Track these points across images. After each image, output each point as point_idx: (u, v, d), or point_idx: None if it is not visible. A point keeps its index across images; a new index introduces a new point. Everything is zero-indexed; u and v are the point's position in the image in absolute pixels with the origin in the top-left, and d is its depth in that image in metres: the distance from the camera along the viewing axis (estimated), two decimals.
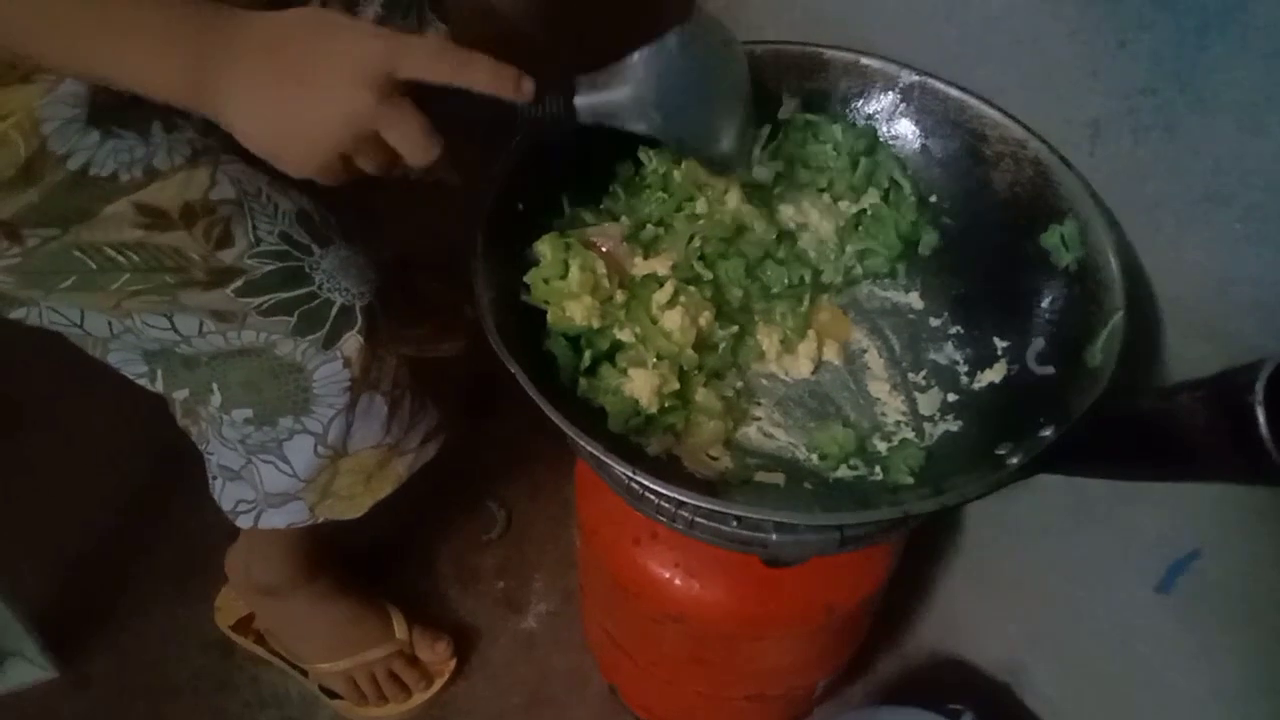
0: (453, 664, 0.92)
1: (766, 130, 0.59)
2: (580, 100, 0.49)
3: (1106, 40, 0.50)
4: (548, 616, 0.97)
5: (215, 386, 0.65)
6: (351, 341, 0.63)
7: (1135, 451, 0.44)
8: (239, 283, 0.59)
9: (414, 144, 0.49)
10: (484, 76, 0.48)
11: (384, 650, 0.89)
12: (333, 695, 0.90)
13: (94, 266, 0.57)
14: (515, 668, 0.94)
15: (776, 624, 0.68)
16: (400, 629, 0.91)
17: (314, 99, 0.47)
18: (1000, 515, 0.76)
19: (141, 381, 0.67)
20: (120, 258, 0.57)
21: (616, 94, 0.50)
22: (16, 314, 0.62)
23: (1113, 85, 0.51)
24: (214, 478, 0.72)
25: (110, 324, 0.62)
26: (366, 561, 0.96)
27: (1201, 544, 0.60)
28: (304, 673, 0.91)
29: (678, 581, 0.66)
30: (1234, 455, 0.39)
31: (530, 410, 0.49)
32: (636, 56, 0.49)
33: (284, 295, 0.60)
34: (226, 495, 0.72)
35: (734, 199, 0.59)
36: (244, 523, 0.72)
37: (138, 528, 1.01)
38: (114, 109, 0.54)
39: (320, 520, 0.72)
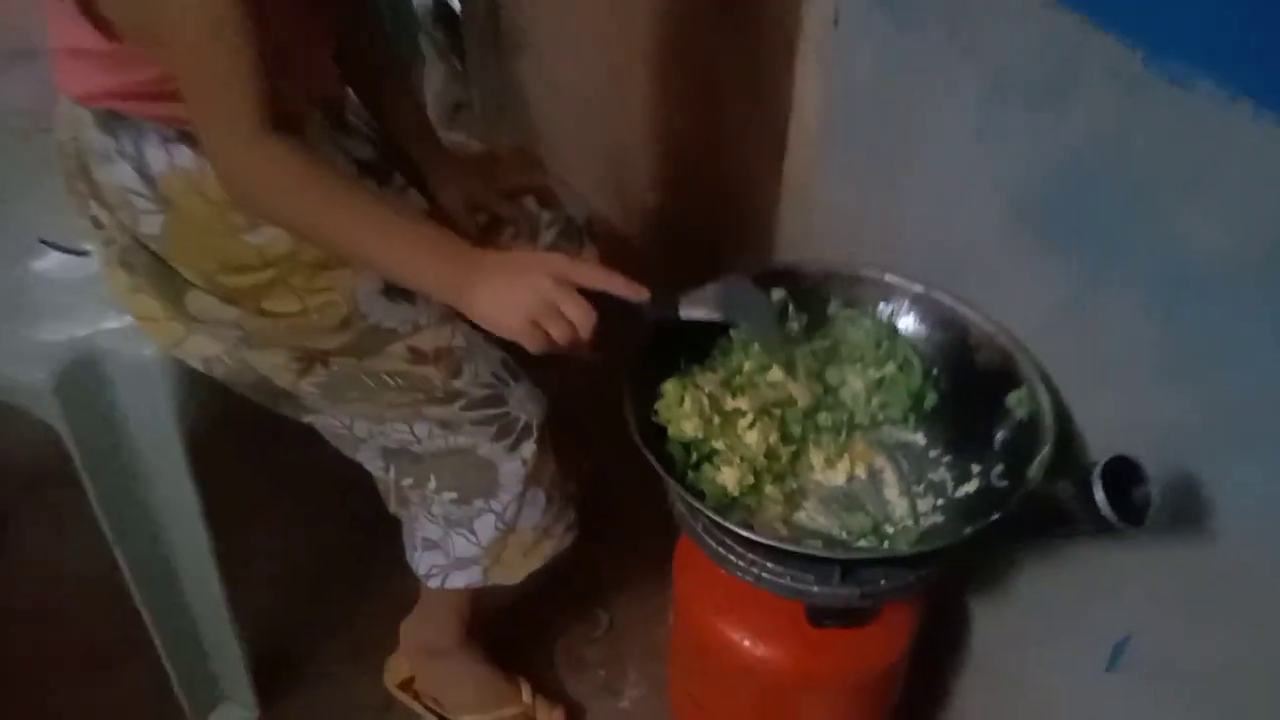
0: None
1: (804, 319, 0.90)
2: (682, 305, 0.78)
3: (1045, 259, 0.79)
4: (640, 700, 1.21)
5: (432, 476, 0.94)
6: (529, 447, 0.92)
7: (1042, 520, 0.69)
8: (462, 401, 0.89)
9: (580, 315, 0.72)
10: (621, 285, 0.75)
11: (515, 709, 1.14)
12: None
13: (373, 386, 0.88)
14: None
15: (820, 679, 0.91)
16: (527, 695, 1.15)
17: (520, 285, 0.73)
18: (997, 617, 0.99)
19: (378, 473, 0.97)
20: (390, 381, 0.88)
21: (703, 302, 0.77)
22: (307, 418, 0.93)
23: (1057, 293, 0.79)
24: (414, 549, 1.00)
25: (369, 429, 0.92)
26: (502, 645, 1.21)
27: (1131, 629, 0.82)
28: None
29: (746, 642, 0.90)
30: (1089, 517, 0.64)
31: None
32: (711, 287, 0.78)
33: (490, 411, 0.90)
34: (423, 561, 0.99)
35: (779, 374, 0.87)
36: (434, 583, 0.99)
37: (332, 596, 1.29)
38: (401, 290, 0.86)
39: (489, 583, 0.99)
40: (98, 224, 0.86)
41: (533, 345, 0.73)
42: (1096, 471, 0.63)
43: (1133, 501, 0.64)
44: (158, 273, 0.84)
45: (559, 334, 0.72)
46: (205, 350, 0.87)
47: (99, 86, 0.79)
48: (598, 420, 0.97)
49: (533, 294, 0.72)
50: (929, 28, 0.85)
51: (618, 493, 1.26)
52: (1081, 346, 0.80)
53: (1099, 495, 0.62)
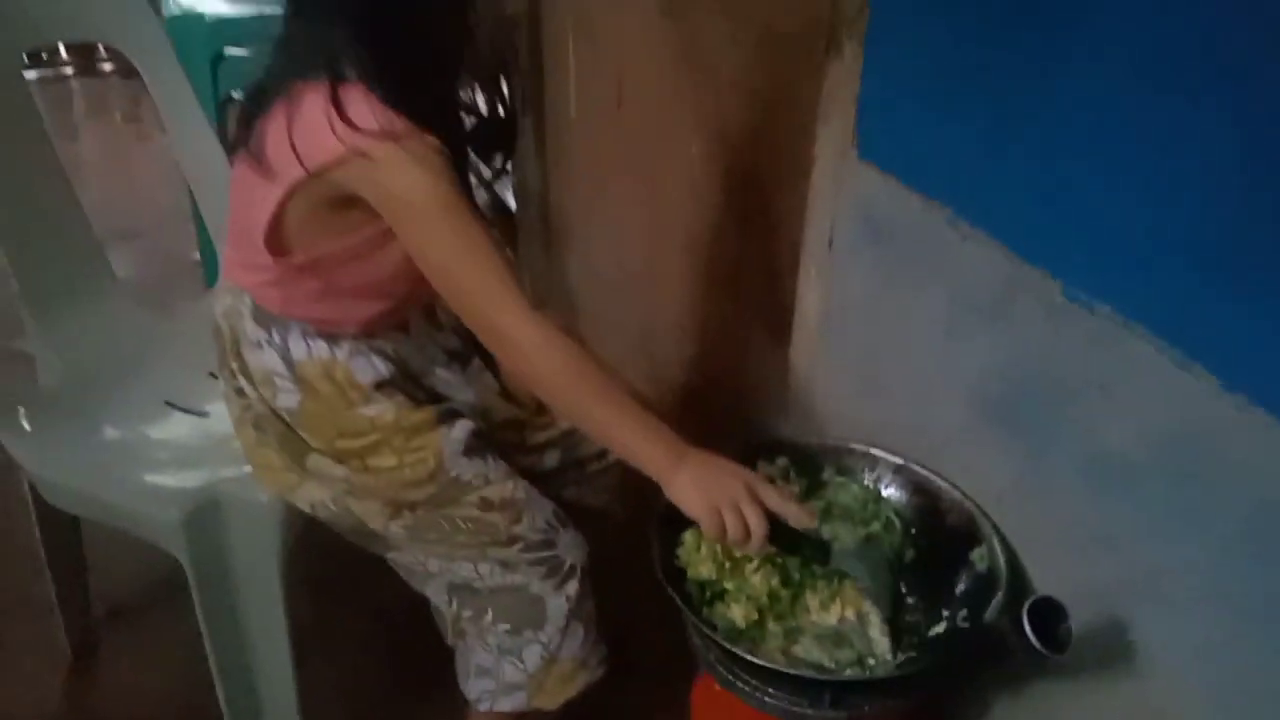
0: None
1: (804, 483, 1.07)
2: (835, 557, 0.98)
3: (997, 442, 0.98)
4: None
5: (490, 609, 1.10)
6: (573, 587, 1.09)
7: (990, 652, 0.85)
8: (520, 545, 1.07)
9: (757, 525, 0.85)
10: (794, 514, 0.88)
11: None
12: None
13: (448, 529, 1.06)
14: None
15: None
16: None
17: (719, 481, 0.87)
18: None
19: (442, 606, 1.14)
20: (463, 526, 1.06)
21: (852, 563, 0.98)
22: (390, 554, 1.11)
23: (1008, 471, 0.98)
24: (467, 676, 1.15)
25: (440, 565, 1.10)
26: None
27: None
28: None
29: None
30: (1022, 647, 0.80)
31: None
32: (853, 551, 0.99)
33: (543, 554, 1.07)
34: (474, 687, 1.14)
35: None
36: (483, 706, 1.14)
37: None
38: (476, 448, 1.06)
39: (531, 708, 1.13)
40: (241, 394, 1.07)
41: (711, 530, 0.87)
42: (1025, 608, 0.80)
43: (1058, 635, 0.81)
44: (286, 437, 1.05)
45: (734, 531, 0.86)
46: (314, 496, 1.06)
47: (264, 293, 1.01)
48: (629, 573, 1.13)
49: (725, 493, 0.86)
50: (904, 254, 1.07)
51: (643, 636, 1.41)
52: (1029, 514, 0.98)
53: (1027, 628, 0.79)
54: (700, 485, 0.87)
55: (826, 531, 1.04)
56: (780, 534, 0.88)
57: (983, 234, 0.96)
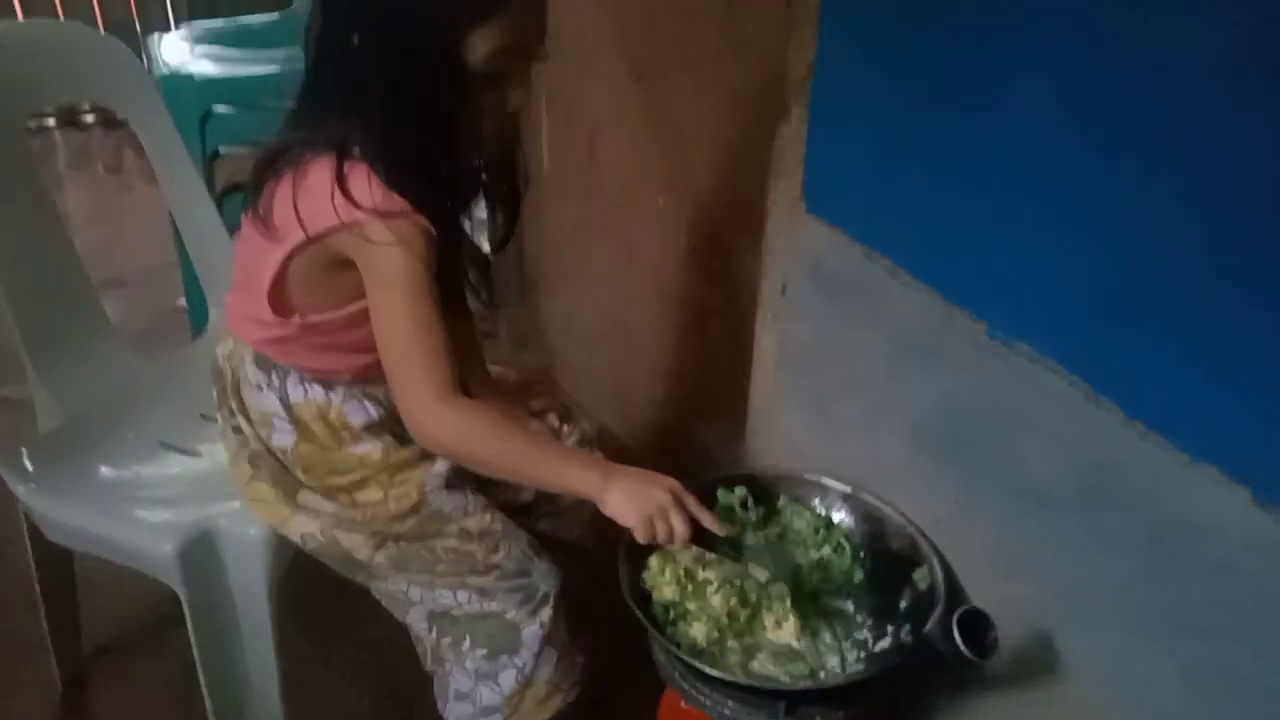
0: None
1: (761, 510, 1.16)
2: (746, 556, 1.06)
3: (934, 471, 1.07)
4: None
5: (468, 635, 1.17)
6: (546, 613, 1.16)
7: (927, 661, 0.94)
8: (498, 573, 1.14)
9: (681, 527, 0.96)
10: (709, 520, 0.99)
11: None
12: None
13: (429, 559, 1.13)
14: None
15: None
16: None
17: (647, 492, 0.96)
18: None
19: (422, 633, 1.20)
20: (444, 556, 1.13)
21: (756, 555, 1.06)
22: (374, 584, 1.18)
23: (944, 497, 1.07)
24: (446, 701, 1.21)
25: (422, 594, 1.17)
26: None
27: None
28: None
29: None
30: (952, 653, 0.88)
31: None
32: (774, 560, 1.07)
33: (518, 582, 1.15)
34: (453, 710, 1.20)
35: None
36: None
37: None
38: (456, 483, 1.14)
39: None
40: (238, 431, 1.14)
41: (643, 535, 0.97)
42: (954, 618, 0.88)
43: (985, 643, 0.89)
44: (280, 474, 1.12)
45: (663, 533, 0.97)
46: (304, 529, 1.13)
47: (265, 346, 1.10)
48: (600, 601, 1.20)
49: (653, 501, 0.96)
50: (848, 301, 1.17)
51: (611, 663, 1.48)
52: (963, 536, 1.06)
53: (956, 636, 0.87)
54: (631, 498, 0.96)
55: (749, 538, 1.12)
56: (702, 536, 1.00)
57: (918, 281, 1.05)
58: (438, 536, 1.12)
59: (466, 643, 1.17)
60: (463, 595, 1.15)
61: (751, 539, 1.11)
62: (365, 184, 0.94)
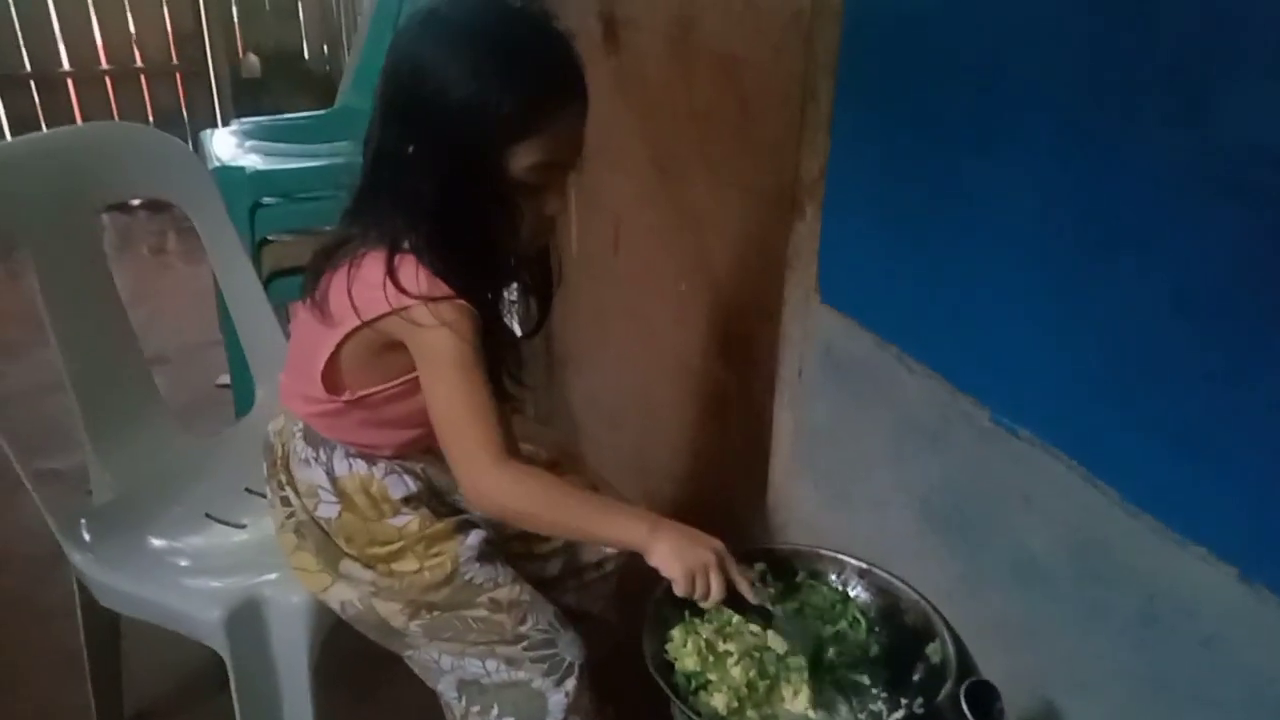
0: None
1: (780, 586, 1.21)
2: (775, 621, 1.12)
3: (942, 548, 1.12)
4: None
5: (496, 704, 1.22)
6: (572, 683, 1.21)
7: None
8: (525, 643, 1.20)
9: (718, 588, 1.01)
10: (747, 588, 1.05)
11: None
12: None
13: (460, 628, 1.19)
14: None
15: None
16: None
17: (693, 548, 1.02)
18: None
19: (452, 701, 1.25)
20: (474, 625, 1.19)
21: (788, 628, 1.13)
22: (407, 653, 1.24)
23: (952, 572, 1.12)
24: None
25: (452, 662, 1.22)
26: None
27: None
28: None
29: None
30: None
31: None
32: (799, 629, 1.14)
33: (545, 652, 1.20)
34: None
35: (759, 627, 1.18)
36: None
37: None
38: (488, 555, 1.20)
39: None
40: (286, 502, 1.22)
41: (682, 589, 1.02)
42: (962, 690, 0.93)
43: (992, 714, 0.94)
44: (324, 543, 1.19)
45: (700, 590, 1.02)
46: (344, 596, 1.20)
47: (315, 420, 1.18)
48: (625, 670, 1.25)
49: (698, 558, 1.02)
50: (861, 384, 1.24)
51: None
52: (970, 609, 1.11)
53: (964, 707, 0.92)
54: (677, 552, 1.02)
55: (773, 606, 1.17)
56: (735, 600, 1.05)
57: (925, 368, 1.12)
58: (469, 606, 1.18)
59: (495, 710, 1.22)
60: (491, 664, 1.21)
61: (777, 611, 1.16)
62: (414, 274, 1.03)
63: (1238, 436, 0.80)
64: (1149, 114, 0.81)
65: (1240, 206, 0.76)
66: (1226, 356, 0.80)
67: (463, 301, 1.04)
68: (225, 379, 2.61)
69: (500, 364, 1.16)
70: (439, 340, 1.03)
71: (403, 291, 1.02)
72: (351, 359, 1.11)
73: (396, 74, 1.04)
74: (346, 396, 1.14)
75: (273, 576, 1.28)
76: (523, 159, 1.03)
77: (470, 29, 1.02)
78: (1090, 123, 0.87)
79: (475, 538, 1.20)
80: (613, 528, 1.07)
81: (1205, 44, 0.76)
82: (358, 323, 1.06)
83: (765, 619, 1.12)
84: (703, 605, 1.05)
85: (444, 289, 1.03)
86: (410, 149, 1.02)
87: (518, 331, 1.30)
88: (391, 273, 1.03)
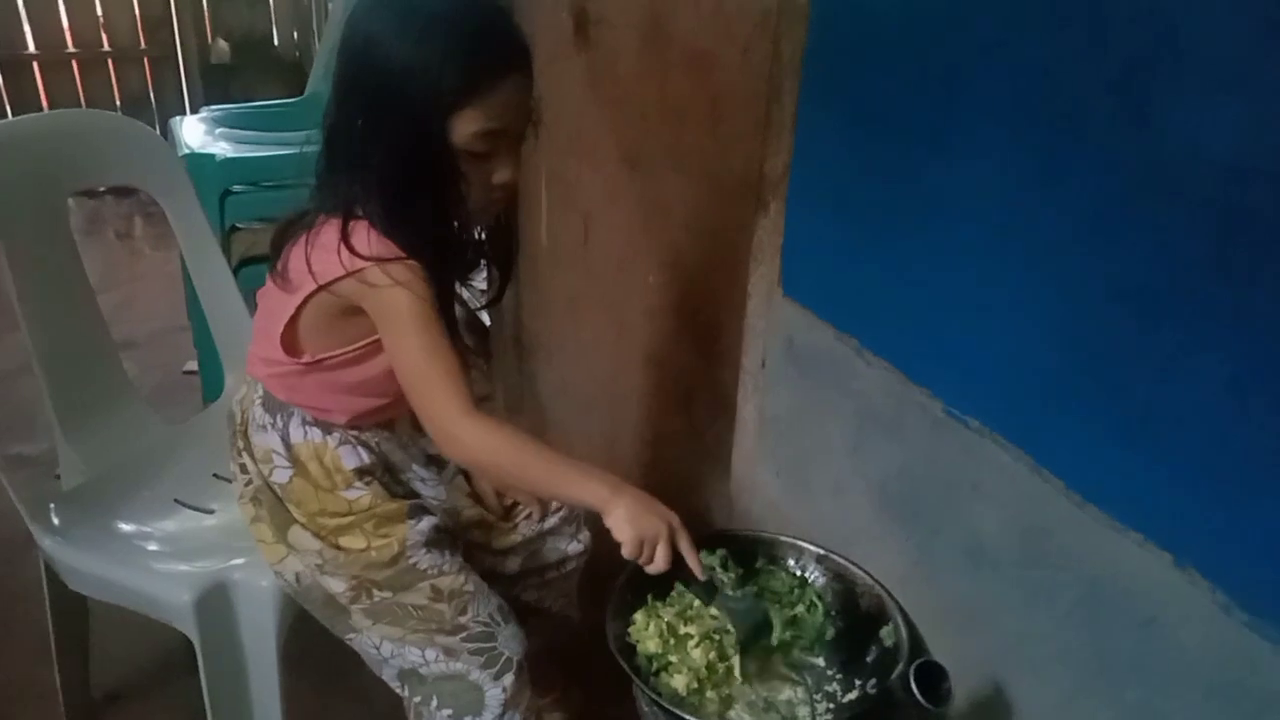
0: None
1: (739, 570, 1.25)
2: (718, 600, 1.16)
3: (897, 534, 1.16)
4: None
5: (435, 695, 1.23)
6: (509, 679, 1.22)
7: (888, 710, 1.02)
8: (465, 634, 1.21)
9: (664, 558, 1.04)
10: (695, 563, 1.07)
11: None
12: None
13: (400, 614, 1.20)
14: None
15: None
16: None
17: (649, 516, 1.04)
18: None
19: (396, 689, 1.27)
20: (415, 611, 1.20)
21: (733, 605, 1.16)
22: (350, 636, 1.25)
23: (906, 557, 1.16)
24: None
25: (392, 650, 1.23)
26: None
27: None
28: None
29: None
30: (911, 703, 0.97)
31: None
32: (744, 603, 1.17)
33: (483, 645, 1.21)
34: None
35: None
36: None
37: None
38: (436, 542, 1.22)
39: None
40: (244, 470, 1.23)
41: (629, 551, 1.05)
42: (912, 670, 0.97)
43: (940, 692, 0.98)
44: (276, 509, 1.21)
45: (646, 557, 1.05)
46: (295, 568, 1.21)
47: (273, 382, 1.20)
48: (592, 656, 1.27)
49: (651, 526, 1.04)
50: (821, 375, 1.28)
51: (599, 712, 1.55)
52: (926, 595, 1.15)
53: (913, 686, 0.96)
54: (633, 517, 1.05)
55: (722, 580, 1.20)
56: (681, 573, 1.10)
57: (882, 360, 1.16)
58: (409, 591, 1.20)
59: (434, 702, 1.24)
60: (430, 653, 1.22)
61: (724, 587, 1.19)
62: (365, 237, 1.06)
63: (1172, 429, 0.84)
64: (1097, 120, 0.85)
65: (1180, 209, 0.80)
66: (1163, 352, 0.84)
67: (413, 262, 1.07)
68: (193, 365, 2.61)
69: (451, 328, 1.17)
70: (396, 299, 1.06)
71: (355, 254, 1.05)
72: (310, 324, 1.14)
73: (347, 48, 1.07)
74: (305, 359, 1.16)
75: (241, 561, 1.30)
76: (465, 126, 1.05)
77: (412, 3, 1.05)
78: (1041, 126, 0.91)
79: (426, 524, 1.22)
80: (575, 486, 1.10)
81: (1151, 55, 0.80)
82: (314, 286, 1.09)
83: (709, 597, 1.15)
84: (648, 571, 1.08)
85: (395, 250, 1.06)
86: (360, 121, 1.06)
87: (485, 319, 1.33)
88: (345, 237, 1.06)
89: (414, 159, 1.06)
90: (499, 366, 2.51)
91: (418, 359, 1.08)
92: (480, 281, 1.32)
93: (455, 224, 1.17)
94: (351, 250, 1.06)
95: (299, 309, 1.12)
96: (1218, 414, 0.79)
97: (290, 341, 1.15)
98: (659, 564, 1.06)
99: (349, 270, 1.06)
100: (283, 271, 1.13)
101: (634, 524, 1.05)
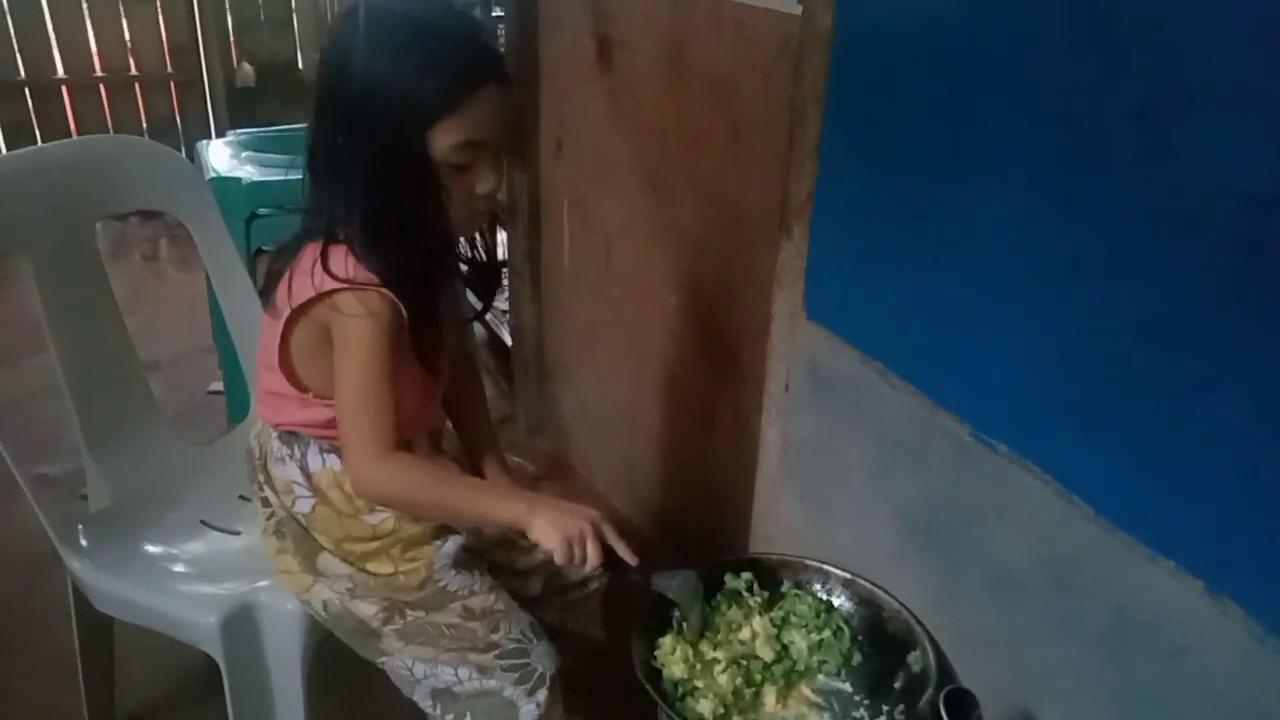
0: None
1: (765, 595, 1.24)
2: (653, 580, 1.16)
3: (922, 560, 1.16)
4: None
5: (469, 713, 1.23)
6: (544, 694, 1.22)
7: None
8: (498, 651, 1.22)
9: (594, 554, 1.06)
10: (624, 549, 1.09)
11: None
12: None
13: (434, 634, 1.21)
14: None
15: None
16: None
17: (569, 518, 1.06)
18: None
19: (429, 710, 1.27)
20: (447, 631, 1.21)
21: (666, 583, 1.16)
22: (381, 659, 1.25)
23: (932, 583, 1.15)
24: None
25: (425, 670, 1.24)
26: None
27: None
28: None
29: None
30: None
31: None
32: (676, 576, 1.17)
33: (517, 661, 1.22)
34: None
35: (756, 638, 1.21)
36: None
37: None
38: (464, 563, 1.23)
39: None
40: (266, 503, 1.24)
41: (561, 557, 1.06)
42: (942, 697, 0.96)
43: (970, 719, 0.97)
44: (301, 539, 1.22)
45: (578, 558, 1.07)
46: (323, 596, 1.22)
47: (286, 418, 1.21)
48: (611, 679, 1.25)
49: (574, 527, 1.06)
50: (845, 399, 1.27)
51: None
52: (951, 621, 1.15)
53: (943, 714, 0.95)
54: (553, 524, 1.07)
55: (786, 638, 1.20)
56: (616, 564, 1.11)
57: (907, 384, 1.16)
58: (441, 612, 1.20)
59: (468, 719, 1.24)
60: (464, 671, 1.22)
61: (658, 577, 1.19)
62: (343, 260, 1.07)
63: (1203, 454, 0.83)
64: (1119, 150, 0.85)
65: (1203, 238, 0.80)
66: (1191, 378, 0.83)
67: (388, 291, 1.07)
68: (217, 385, 2.63)
69: (439, 345, 1.17)
70: (355, 328, 1.07)
71: (331, 276, 1.06)
72: (300, 354, 1.15)
73: (326, 66, 1.09)
74: (310, 393, 1.17)
75: (267, 583, 1.30)
76: (444, 139, 1.06)
77: (385, 18, 1.06)
78: (1065, 155, 0.91)
79: (452, 544, 1.22)
80: (491, 509, 1.12)
81: (1172, 86, 0.80)
82: (289, 310, 1.10)
83: (648, 582, 1.16)
84: (585, 572, 1.09)
85: (369, 277, 1.07)
86: (340, 139, 1.07)
87: (507, 339, 1.33)
88: (322, 258, 1.07)
89: (395, 173, 1.07)
90: (520, 389, 2.51)
91: (355, 391, 1.09)
92: (503, 302, 1.33)
93: (438, 239, 1.17)
94: (327, 271, 1.07)
95: (285, 337, 1.14)
96: (1248, 440, 0.79)
97: (291, 373, 1.17)
98: (592, 560, 1.07)
99: (320, 291, 1.07)
100: (274, 299, 1.14)
101: (557, 528, 1.06)
